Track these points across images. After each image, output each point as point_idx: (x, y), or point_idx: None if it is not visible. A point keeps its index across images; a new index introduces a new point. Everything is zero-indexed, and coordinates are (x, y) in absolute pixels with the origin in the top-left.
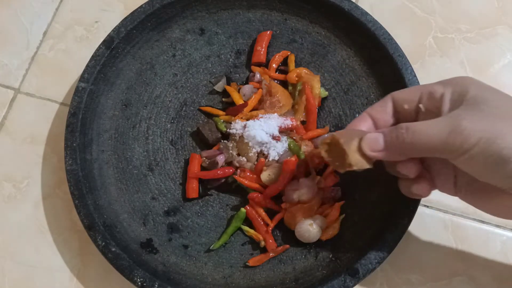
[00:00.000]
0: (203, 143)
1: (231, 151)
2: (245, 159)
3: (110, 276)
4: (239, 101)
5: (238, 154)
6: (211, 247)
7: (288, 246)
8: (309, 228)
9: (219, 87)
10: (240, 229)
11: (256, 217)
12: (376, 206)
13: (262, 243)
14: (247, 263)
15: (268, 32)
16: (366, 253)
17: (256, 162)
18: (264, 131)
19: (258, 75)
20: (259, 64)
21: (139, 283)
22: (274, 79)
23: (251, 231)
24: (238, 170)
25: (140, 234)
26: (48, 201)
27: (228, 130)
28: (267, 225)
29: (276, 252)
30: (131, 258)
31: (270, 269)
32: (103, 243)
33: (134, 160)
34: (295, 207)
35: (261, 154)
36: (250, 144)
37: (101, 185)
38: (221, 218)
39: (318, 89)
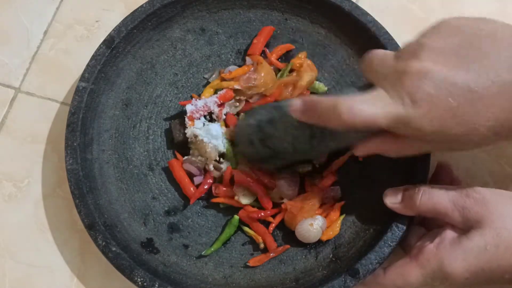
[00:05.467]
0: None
1: (194, 158)
2: (206, 158)
3: (111, 275)
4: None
5: (199, 155)
6: (203, 253)
7: (288, 246)
8: (310, 228)
9: (213, 79)
10: (240, 228)
11: (253, 221)
12: (376, 206)
13: (262, 245)
14: (248, 263)
15: (271, 27)
16: (366, 253)
17: (217, 158)
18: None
19: (248, 59)
20: None
21: (140, 283)
22: (273, 65)
23: (252, 232)
24: (213, 187)
25: (140, 234)
26: (49, 201)
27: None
28: (267, 226)
29: (277, 252)
30: (132, 257)
31: (270, 269)
32: (104, 243)
33: (134, 160)
34: (295, 207)
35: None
36: (205, 140)
37: (102, 185)
38: (221, 218)
39: (305, 81)
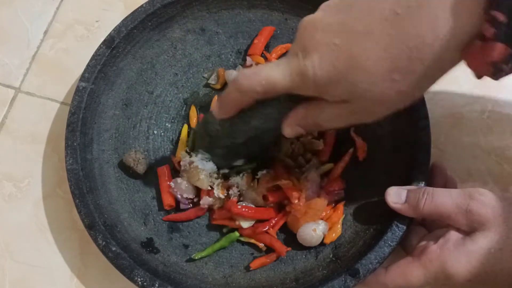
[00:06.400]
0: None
1: (187, 185)
2: (195, 187)
3: (111, 275)
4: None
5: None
6: (192, 256)
7: (289, 248)
8: (312, 234)
9: (213, 79)
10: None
11: (257, 234)
12: (376, 206)
13: (264, 248)
14: (250, 267)
15: (272, 27)
16: (366, 253)
17: (209, 188)
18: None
19: (249, 59)
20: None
21: (140, 283)
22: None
23: (252, 240)
24: (210, 213)
25: (140, 234)
26: (49, 201)
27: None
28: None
29: (278, 254)
30: (132, 257)
31: (270, 269)
32: (104, 243)
33: None
34: (299, 211)
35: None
36: (200, 166)
37: (102, 185)
38: None
39: None
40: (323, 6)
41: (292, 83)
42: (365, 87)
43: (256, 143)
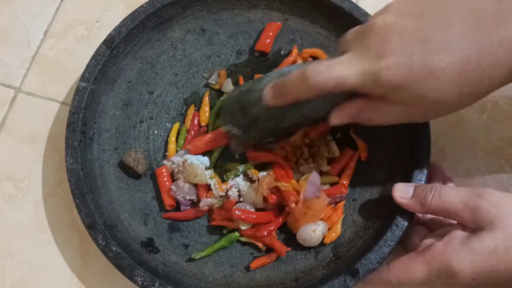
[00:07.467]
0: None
1: (185, 189)
2: (194, 184)
3: (111, 275)
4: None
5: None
6: (192, 256)
7: (289, 248)
8: (312, 234)
9: (213, 79)
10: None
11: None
12: (376, 206)
13: (264, 248)
14: (250, 267)
15: (278, 23)
16: (366, 253)
17: (208, 181)
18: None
19: None
20: (263, 53)
21: (140, 282)
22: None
23: (252, 240)
24: (209, 213)
25: (141, 234)
26: (49, 200)
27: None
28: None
29: (278, 254)
30: (132, 257)
31: (270, 269)
32: (104, 243)
33: None
34: (299, 212)
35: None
36: (195, 162)
37: (102, 184)
38: None
39: None
40: (395, 8)
41: (362, 83)
42: (434, 95)
43: (291, 127)
